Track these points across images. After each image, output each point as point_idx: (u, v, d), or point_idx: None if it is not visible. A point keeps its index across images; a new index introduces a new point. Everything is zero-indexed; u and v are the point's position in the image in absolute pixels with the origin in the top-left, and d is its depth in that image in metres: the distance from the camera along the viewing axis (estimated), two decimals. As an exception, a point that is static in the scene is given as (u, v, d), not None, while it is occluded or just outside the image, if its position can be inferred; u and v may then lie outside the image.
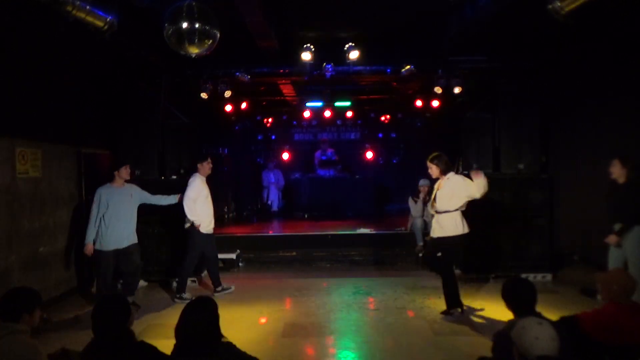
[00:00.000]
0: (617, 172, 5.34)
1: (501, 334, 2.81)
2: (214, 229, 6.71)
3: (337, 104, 11.68)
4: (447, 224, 5.42)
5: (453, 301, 5.53)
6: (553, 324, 2.47)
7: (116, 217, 5.73)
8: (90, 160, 7.18)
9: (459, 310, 5.50)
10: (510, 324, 2.74)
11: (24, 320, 2.92)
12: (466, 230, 5.46)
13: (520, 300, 2.96)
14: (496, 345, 2.88)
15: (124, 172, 5.87)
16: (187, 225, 6.33)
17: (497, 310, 5.56)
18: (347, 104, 11.93)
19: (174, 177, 7.50)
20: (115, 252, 5.78)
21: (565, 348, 2.29)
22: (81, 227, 6.92)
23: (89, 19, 4.82)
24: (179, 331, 2.63)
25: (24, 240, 5.81)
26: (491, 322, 5.31)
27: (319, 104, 11.46)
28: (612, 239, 5.29)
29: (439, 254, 5.54)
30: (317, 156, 12.92)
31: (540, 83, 7.62)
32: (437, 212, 5.52)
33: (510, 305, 3.02)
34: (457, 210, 5.42)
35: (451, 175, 5.49)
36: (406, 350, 4.73)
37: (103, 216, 5.69)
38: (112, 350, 2.64)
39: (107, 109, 7.60)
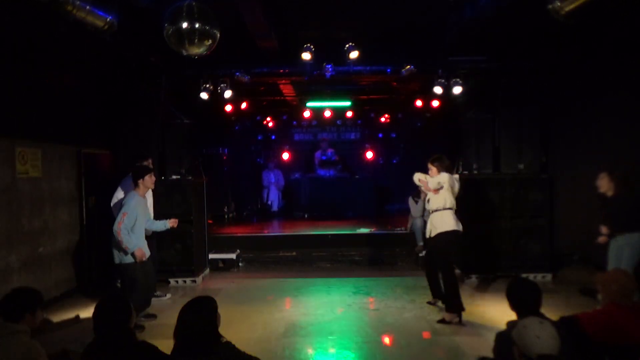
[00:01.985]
0: (605, 185, 5.31)
1: (503, 334, 2.81)
2: (214, 229, 6.65)
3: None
4: (439, 221, 5.45)
5: (453, 304, 5.39)
6: (554, 323, 2.48)
7: (141, 226, 5.37)
8: (90, 160, 7.18)
9: (457, 319, 5.33)
10: (511, 324, 2.73)
11: (25, 321, 2.92)
12: (460, 227, 5.49)
13: (525, 301, 2.95)
14: (497, 346, 2.87)
15: (149, 181, 5.35)
16: None
17: (497, 310, 5.57)
18: (348, 103, 11.91)
19: (174, 177, 7.50)
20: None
21: (566, 348, 2.29)
22: (81, 227, 6.94)
23: (89, 19, 4.82)
24: (178, 331, 2.63)
25: (24, 240, 5.81)
26: (491, 322, 5.30)
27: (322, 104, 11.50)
28: (602, 239, 5.37)
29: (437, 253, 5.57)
30: (317, 156, 12.91)
31: (540, 83, 7.63)
32: (432, 211, 5.55)
33: (515, 305, 3.00)
34: (450, 209, 5.45)
35: (442, 174, 5.48)
36: (406, 350, 4.73)
37: (135, 230, 5.21)
38: (113, 349, 2.65)
39: (107, 109, 7.60)
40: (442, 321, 5.38)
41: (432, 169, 5.54)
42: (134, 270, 5.21)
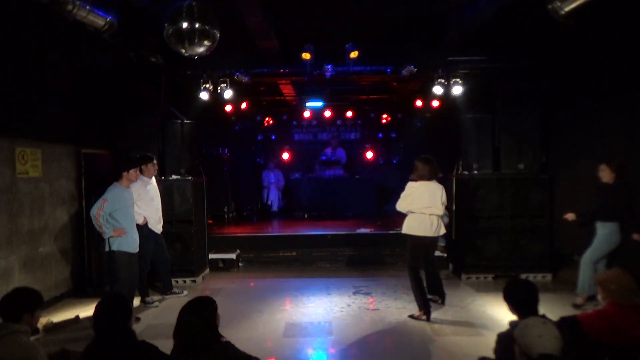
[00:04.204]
0: (607, 175, 5.65)
1: (504, 334, 2.81)
2: (214, 229, 6.65)
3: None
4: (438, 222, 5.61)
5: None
6: (556, 324, 2.48)
7: (130, 219, 5.51)
8: (90, 160, 7.18)
9: (424, 316, 5.49)
10: (513, 324, 2.73)
11: (25, 321, 2.92)
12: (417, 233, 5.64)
13: (523, 301, 2.96)
14: (498, 346, 2.87)
15: (133, 174, 5.58)
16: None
17: (497, 311, 5.57)
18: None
19: (174, 177, 7.50)
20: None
21: (566, 348, 2.29)
22: (81, 227, 6.95)
23: (89, 18, 4.83)
24: (178, 331, 2.64)
25: (24, 240, 5.81)
26: (491, 322, 5.31)
27: (320, 104, 11.37)
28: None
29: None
30: (328, 154, 12.73)
31: (540, 83, 7.62)
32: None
33: (513, 306, 3.01)
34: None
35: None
36: (406, 350, 4.73)
37: (118, 217, 5.37)
38: (113, 349, 2.65)
39: (107, 109, 7.60)
40: (411, 316, 5.58)
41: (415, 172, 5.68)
42: (120, 260, 5.36)
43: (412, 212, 5.57)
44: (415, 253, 5.63)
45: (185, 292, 6.72)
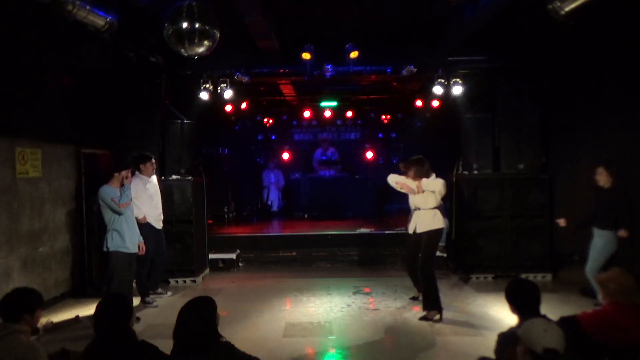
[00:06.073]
0: (604, 179, 5.57)
1: (505, 335, 2.81)
2: (214, 229, 6.64)
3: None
4: (427, 219, 5.54)
5: (433, 300, 5.48)
6: (557, 324, 2.48)
7: (124, 218, 5.52)
8: (90, 160, 7.18)
9: (438, 316, 5.44)
10: (514, 328, 2.72)
11: (24, 321, 2.92)
12: (443, 225, 5.61)
13: (525, 302, 2.95)
14: (499, 346, 2.87)
15: (124, 174, 5.57)
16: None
17: (497, 310, 5.57)
18: (333, 104, 11.76)
19: (174, 177, 7.50)
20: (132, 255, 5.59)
21: (568, 348, 2.29)
22: (81, 227, 6.95)
23: (89, 18, 4.82)
24: (177, 331, 2.64)
25: (24, 240, 5.81)
26: (491, 322, 5.31)
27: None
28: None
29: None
30: (317, 156, 12.86)
31: (540, 83, 7.62)
32: (419, 208, 5.65)
33: (515, 307, 2.99)
34: (437, 207, 5.56)
35: (437, 180, 5.60)
36: (406, 350, 4.73)
37: (117, 218, 5.43)
38: (113, 349, 2.65)
39: (107, 109, 7.60)
40: (424, 318, 5.44)
41: (409, 172, 5.61)
42: (116, 260, 5.38)
43: (436, 207, 5.57)
44: (436, 248, 5.67)
45: (169, 294, 6.66)
